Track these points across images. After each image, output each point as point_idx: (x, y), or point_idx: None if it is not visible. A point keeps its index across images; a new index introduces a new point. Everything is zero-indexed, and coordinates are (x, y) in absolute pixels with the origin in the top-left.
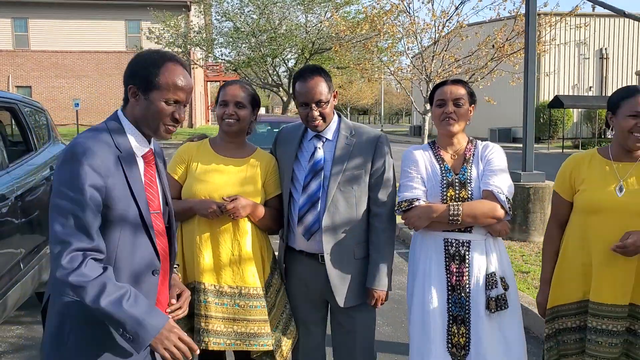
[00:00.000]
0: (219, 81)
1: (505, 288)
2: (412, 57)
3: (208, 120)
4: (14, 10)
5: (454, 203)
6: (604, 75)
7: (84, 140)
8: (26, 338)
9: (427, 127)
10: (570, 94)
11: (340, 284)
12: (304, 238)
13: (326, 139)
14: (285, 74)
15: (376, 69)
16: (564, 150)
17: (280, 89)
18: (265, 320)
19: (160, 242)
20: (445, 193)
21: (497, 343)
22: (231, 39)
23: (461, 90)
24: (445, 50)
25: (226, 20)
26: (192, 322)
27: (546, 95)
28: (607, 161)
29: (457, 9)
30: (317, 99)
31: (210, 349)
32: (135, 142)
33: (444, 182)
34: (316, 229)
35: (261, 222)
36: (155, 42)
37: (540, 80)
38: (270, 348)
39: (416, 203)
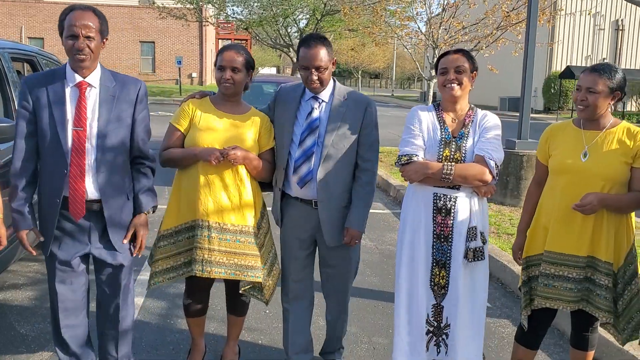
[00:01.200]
0: (230, 39)
1: (484, 242)
2: (420, 23)
3: None
4: None
5: (448, 163)
6: (619, 47)
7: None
8: (42, 273)
9: (431, 92)
10: (584, 64)
11: (329, 226)
12: (298, 186)
13: (322, 100)
14: (296, 34)
15: (384, 34)
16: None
17: (291, 50)
18: (258, 255)
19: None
20: (441, 152)
21: (468, 289)
22: None
23: (462, 59)
24: (453, 18)
25: None
26: (178, 260)
27: (558, 65)
28: (578, 129)
29: None
30: (316, 65)
31: (212, 277)
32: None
33: (442, 142)
34: (309, 179)
35: (256, 171)
36: None
37: (553, 50)
38: (261, 280)
39: (414, 158)
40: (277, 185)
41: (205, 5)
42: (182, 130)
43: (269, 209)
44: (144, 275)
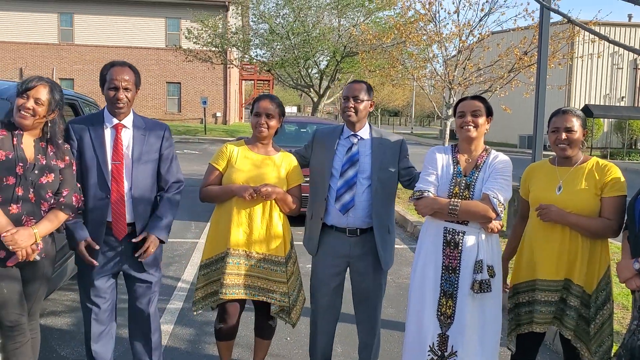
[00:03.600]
0: (253, 80)
1: (492, 275)
2: (435, 65)
3: (242, 118)
4: (61, 5)
5: (455, 200)
6: (637, 85)
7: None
8: (78, 302)
9: (448, 130)
10: (602, 103)
11: (383, 250)
12: (340, 213)
13: (361, 137)
14: (316, 75)
15: (400, 75)
16: None
17: (311, 90)
18: (284, 282)
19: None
20: (452, 190)
21: (477, 319)
22: (266, 41)
23: (479, 104)
24: (468, 60)
25: (262, 22)
26: (214, 287)
27: (577, 104)
28: (553, 167)
29: (480, 20)
30: (354, 95)
31: (240, 297)
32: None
33: (453, 181)
34: (351, 206)
35: (285, 205)
36: (194, 42)
37: (571, 89)
38: (287, 304)
39: (425, 194)
40: (315, 218)
41: (230, 48)
42: (221, 170)
43: (297, 243)
44: (173, 304)
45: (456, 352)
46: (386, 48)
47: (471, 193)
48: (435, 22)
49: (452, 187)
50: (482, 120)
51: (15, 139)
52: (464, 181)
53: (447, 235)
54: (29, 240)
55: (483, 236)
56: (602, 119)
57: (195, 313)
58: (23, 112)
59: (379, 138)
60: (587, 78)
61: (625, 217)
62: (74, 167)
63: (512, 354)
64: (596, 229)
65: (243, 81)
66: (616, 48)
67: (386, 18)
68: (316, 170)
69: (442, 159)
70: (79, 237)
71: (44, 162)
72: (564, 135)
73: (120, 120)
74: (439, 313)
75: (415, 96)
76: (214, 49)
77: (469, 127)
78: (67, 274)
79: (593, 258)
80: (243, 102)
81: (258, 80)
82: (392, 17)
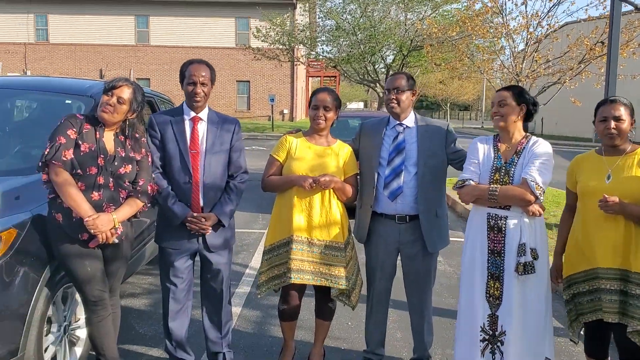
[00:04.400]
0: (320, 76)
1: (535, 257)
2: (503, 57)
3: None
4: (137, 8)
5: (494, 185)
6: None
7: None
8: (156, 285)
9: None
10: None
11: (428, 235)
12: (389, 199)
13: (407, 126)
14: (383, 70)
15: (467, 68)
16: None
17: (378, 85)
18: (344, 266)
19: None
20: (492, 176)
21: (523, 298)
22: (332, 37)
23: (506, 94)
24: (536, 52)
25: (329, 19)
26: (276, 270)
27: None
28: (600, 157)
29: (549, 11)
30: (395, 87)
31: (304, 283)
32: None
33: (493, 167)
34: (399, 192)
35: (343, 194)
36: (262, 40)
37: None
38: (346, 287)
39: (467, 183)
40: (364, 207)
41: (297, 46)
42: (281, 161)
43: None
44: (241, 288)
45: (505, 331)
46: (452, 41)
47: (511, 178)
48: (502, 15)
49: (492, 174)
50: (508, 109)
51: (97, 133)
52: (504, 168)
53: (491, 220)
54: (108, 224)
55: (526, 220)
56: None
57: (259, 296)
58: (106, 108)
59: (424, 126)
60: None
61: None
62: (150, 160)
63: (585, 349)
64: None
65: (310, 78)
66: None
67: (453, 11)
68: (365, 160)
69: (483, 149)
70: (184, 212)
71: (123, 155)
72: (612, 124)
73: (197, 114)
74: (488, 295)
75: (485, 90)
76: (281, 46)
77: (497, 116)
78: (146, 257)
79: None
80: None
81: (325, 76)
82: (458, 10)
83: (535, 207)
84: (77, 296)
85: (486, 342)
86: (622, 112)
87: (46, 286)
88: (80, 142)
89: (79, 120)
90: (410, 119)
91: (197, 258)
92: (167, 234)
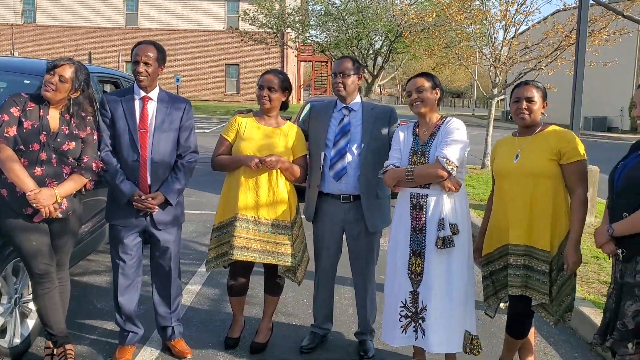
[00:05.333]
0: (311, 61)
1: (454, 232)
2: (479, 44)
3: (299, 99)
4: None
5: (410, 166)
6: None
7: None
8: None
9: (493, 110)
10: None
11: (369, 214)
12: (334, 180)
13: (352, 109)
14: (372, 55)
15: (444, 55)
16: None
17: (366, 71)
18: (289, 244)
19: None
20: (411, 159)
21: (444, 274)
22: (320, 21)
23: (422, 81)
24: (513, 38)
25: (316, 4)
26: (225, 248)
27: None
28: (514, 138)
29: None
30: (341, 70)
31: (248, 260)
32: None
33: (411, 151)
34: (344, 173)
35: (290, 174)
36: (250, 24)
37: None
38: (291, 264)
39: (388, 168)
40: (312, 187)
41: (285, 30)
42: (230, 141)
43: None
44: (203, 268)
45: (426, 306)
46: (429, 27)
47: (427, 159)
48: (481, 0)
49: (411, 157)
50: (425, 94)
51: (42, 111)
52: (420, 149)
53: (413, 199)
54: (50, 199)
55: (445, 196)
56: None
57: (208, 271)
58: (47, 86)
59: (369, 110)
60: None
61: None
62: (95, 138)
63: (506, 325)
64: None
65: (302, 63)
66: None
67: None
68: (313, 141)
69: (403, 135)
70: (131, 190)
71: (66, 132)
72: (524, 105)
73: (147, 93)
74: (410, 272)
75: (477, 77)
76: (269, 30)
77: (416, 103)
78: (105, 237)
79: (555, 223)
80: (301, 83)
81: (316, 61)
82: None
83: (448, 183)
84: None
85: (409, 319)
86: (534, 93)
87: None
88: (23, 120)
89: (23, 98)
90: (356, 103)
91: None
92: (115, 212)
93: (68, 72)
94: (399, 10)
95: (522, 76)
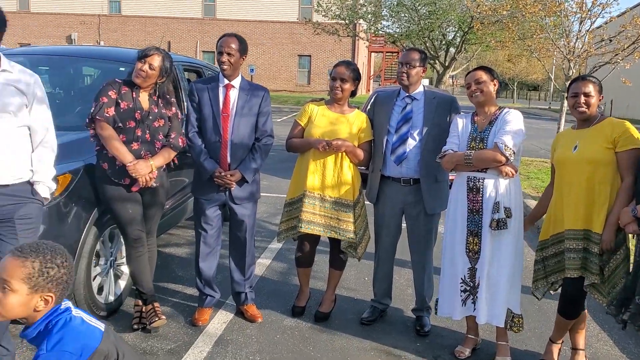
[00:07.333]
0: (381, 52)
1: (508, 215)
2: (555, 37)
3: (369, 90)
4: None
5: (469, 151)
6: None
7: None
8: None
9: (565, 104)
10: None
11: (428, 196)
12: (395, 164)
13: (415, 98)
14: (444, 46)
15: (516, 47)
16: None
17: (437, 62)
18: (351, 222)
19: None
20: (469, 144)
21: (495, 252)
22: (393, 12)
23: (481, 73)
24: (589, 31)
25: None
26: (294, 222)
27: None
28: (572, 131)
29: None
30: (407, 61)
31: (312, 232)
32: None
33: (470, 137)
34: (404, 157)
35: (354, 157)
36: (323, 15)
37: None
38: (353, 239)
39: (447, 152)
40: (375, 170)
41: (357, 21)
42: (302, 125)
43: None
44: (274, 244)
45: (480, 281)
46: (502, 19)
47: (485, 144)
48: None
49: (469, 143)
50: (484, 85)
51: (134, 93)
52: (479, 136)
53: (470, 182)
54: (146, 169)
55: (501, 181)
56: None
57: (278, 242)
58: (139, 73)
59: (431, 98)
60: None
61: None
62: (180, 117)
63: (559, 306)
64: (627, 201)
65: (372, 53)
66: None
67: None
68: (376, 128)
69: (462, 122)
70: (213, 167)
71: (155, 111)
72: (582, 99)
73: (230, 82)
74: (467, 250)
75: (555, 70)
76: (341, 21)
77: (475, 94)
78: (187, 212)
79: (610, 209)
80: (371, 74)
81: (387, 52)
82: None
83: (506, 168)
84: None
85: (467, 292)
86: (591, 88)
87: (95, 225)
88: (120, 101)
89: (118, 83)
90: (419, 92)
91: None
92: (199, 186)
93: (157, 60)
94: (472, 2)
95: (597, 69)
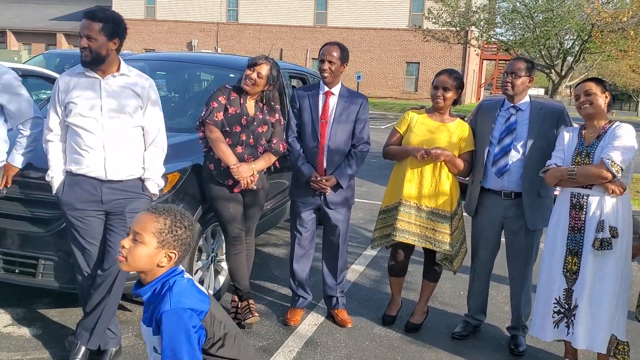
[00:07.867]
0: (494, 59)
1: (614, 235)
2: None
3: (479, 98)
4: None
5: (573, 166)
6: None
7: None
8: None
9: None
10: None
11: (530, 211)
12: (496, 176)
13: (520, 108)
14: (560, 55)
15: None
16: None
17: (552, 71)
18: (448, 233)
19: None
20: (574, 159)
21: (598, 274)
22: (506, 20)
23: (591, 85)
24: None
25: (503, 1)
26: (388, 230)
27: None
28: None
29: None
30: (513, 71)
31: (407, 242)
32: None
33: (576, 151)
34: (506, 170)
35: (454, 167)
36: (433, 22)
37: None
38: (449, 251)
39: (550, 167)
40: (475, 182)
41: (469, 28)
42: (401, 132)
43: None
44: (368, 251)
45: (577, 305)
46: (624, 26)
47: (591, 159)
48: None
49: (574, 157)
50: (594, 97)
51: (242, 100)
52: (585, 151)
53: (573, 198)
54: (248, 172)
55: (607, 198)
56: None
57: (371, 248)
58: (247, 81)
59: (538, 109)
60: None
61: None
62: (282, 123)
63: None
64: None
65: (484, 61)
66: None
67: None
68: (478, 138)
69: (569, 136)
70: (310, 172)
71: (260, 117)
72: None
73: (330, 89)
74: (565, 270)
75: None
76: (452, 28)
77: (583, 106)
78: (286, 214)
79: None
80: (482, 82)
81: (499, 60)
82: None
83: (612, 186)
84: None
85: (561, 315)
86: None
87: (199, 221)
88: (228, 107)
89: (228, 89)
90: (524, 102)
91: None
92: (296, 190)
93: (265, 69)
94: (591, 10)
95: None
